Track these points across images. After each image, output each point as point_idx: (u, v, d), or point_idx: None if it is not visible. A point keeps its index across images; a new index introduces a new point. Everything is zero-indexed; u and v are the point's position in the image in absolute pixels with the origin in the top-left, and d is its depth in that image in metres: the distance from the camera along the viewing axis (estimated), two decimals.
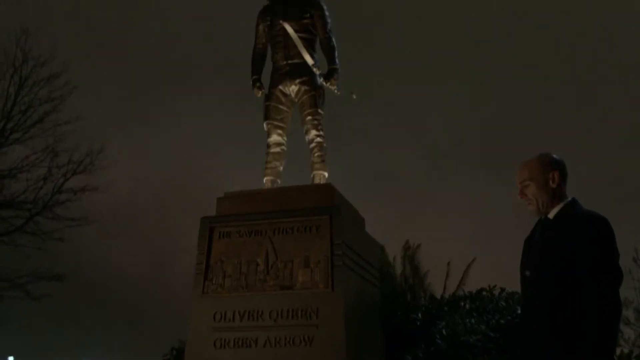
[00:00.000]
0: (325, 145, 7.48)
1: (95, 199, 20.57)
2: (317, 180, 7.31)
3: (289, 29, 7.52)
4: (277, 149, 7.55)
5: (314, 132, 7.44)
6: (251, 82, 7.80)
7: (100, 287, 21.94)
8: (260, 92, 7.73)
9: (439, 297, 8.44)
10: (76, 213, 20.23)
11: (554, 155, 4.16)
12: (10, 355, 20.76)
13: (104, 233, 21.96)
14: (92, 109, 21.35)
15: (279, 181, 7.50)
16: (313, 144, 7.45)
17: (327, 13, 7.75)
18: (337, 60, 7.63)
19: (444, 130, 25.30)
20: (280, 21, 7.60)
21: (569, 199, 4.03)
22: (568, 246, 3.73)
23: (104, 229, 21.81)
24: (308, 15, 7.66)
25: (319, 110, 7.49)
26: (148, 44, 25.47)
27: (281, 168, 7.57)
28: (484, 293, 8.09)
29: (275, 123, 7.56)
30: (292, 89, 7.55)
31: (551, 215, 4.01)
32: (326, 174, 7.38)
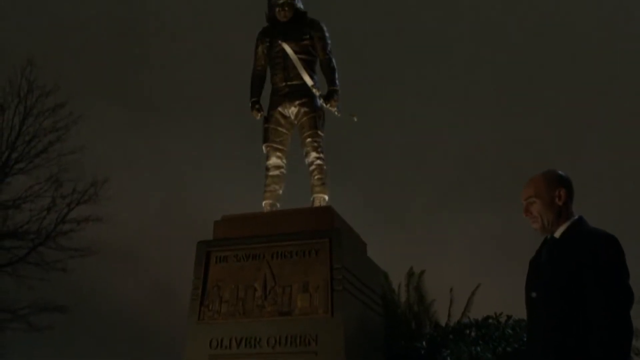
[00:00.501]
0: (325, 167, 7.30)
1: (99, 229, 20.42)
2: (317, 204, 7.12)
3: (288, 49, 7.38)
4: (277, 172, 7.37)
5: (313, 155, 7.26)
6: (250, 105, 7.65)
7: (104, 318, 21.65)
8: (259, 115, 7.57)
9: (443, 324, 8.17)
10: (79, 243, 20.08)
11: (561, 172, 3.98)
12: None
13: (107, 263, 21.71)
14: (97, 138, 21.26)
15: (278, 205, 7.31)
16: (313, 167, 7.27)
17: (327, 34, 7.61)
18: (337, 82, 7.47)
19: (449, 158, 25.16)
20: (280, 42, 7.46)
21: (576, 217, 3.84)
22: (575, 266, 3.53)
23: (108, 260, 21.56)
24: (308, 36, 7.52)
25: (319, 132, 7.32)
26: (152, 74, 25.49)
27: (280, 191, 7.38)
28: (490, 320, 7.82)
29: (275, 145, 7.39)
30: (292, 110, 7.40)
31: (557, 234, 3.82)
32: (326, 197, 7.18)
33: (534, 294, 3.78)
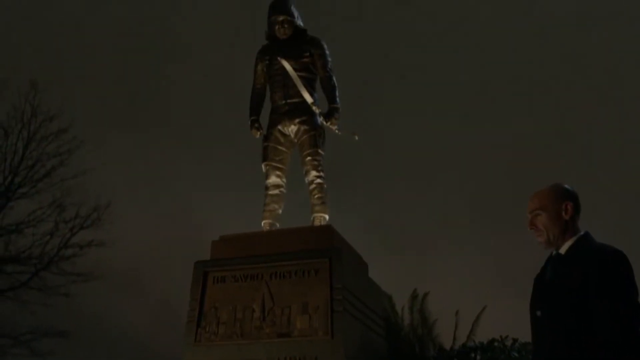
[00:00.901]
0: (325, 186, 7.14)
1: (102, 253, 20.28)
2: (317, 223, 6.95)
3: (287, 66, 7.26)
4: (276, 191, 7.22)
5: (313, 173, 7.10)
6: (249, 123, 7.51)
7: (107, 343, 21.41)
8: (259, 133, 7.43)
9: (448, 348, 7.97)
10: (82, 268, 19.94)
11: (568, 186, 3.84)
12: None
13: (110, 288, 21.51)
14: (100, 162, 21.16)
15: (277, 224, 7.14)
16: (313, 186, 7.11)
17: (327, 52, 7.49)
18: (337, 100, 7.34)
19: (453, 179, 25.02)
20: (279, 58, 7.35)
21: (582, 232, 3.69)
22: (582, 283, 3.37)
23: (111, 284, 21.37)
24: (308, 54, 7.40)
25: (319, 151, 7.17)
26: (155, 98, 25.49)
27: (280, 211, 7.22)
28: (496, 344, 7.65)
29: (274, 164, 7.24)
30: (292, 129, 7.26)
31: (562, 250, 3.67)
32: (327, 216, 7.02)
33: (538, 313, 3.63)
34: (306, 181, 7.19)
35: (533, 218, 3.77)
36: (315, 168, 7.11)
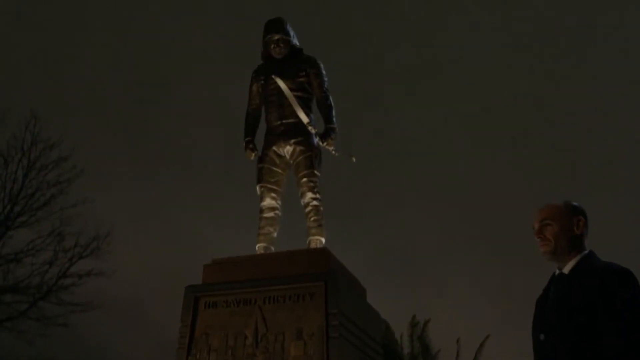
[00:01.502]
0: (322, 208, 6.88)
1: (101, 283, 20.06)
2: (313, 246, 6.68)
3: (282, 84, 7.06)
4: (271, 214, 6.95)
5: (309, 195, 6.85)
6: (244, 144, 7.29)
7: None
8: (253, 154, 7.20)
9: None
10: (81, 298, 19.78)
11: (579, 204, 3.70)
12: None
13: (110, 318, 21.21)
14: (100, 191, 21.03)
15: (272, 248, 6.87)
16: (309, 208, 6.85)
17: (324, 71, 7.29)
18: (334, 120, 7.11)
19: (455, 204, 24.83)
20: (273, 76, 7.14)
21: (586, 251, 3.52)
22: (588, 303, 3.20)
23: (110, 314, 21.08)
24: (304, 73, 7.19)
25: (315, 172, 6.92)
26: (156, 129, 25.39)
27: (275, 234, 6.95)
28: None
29: (269, 186, 6.99)
30: (287, 149, 7.03)
31: (566, 269, 3.49)
32: (323, 240, 6.75)
33: (542, 336, 3.43)
34: (302, 203, 6.94)
35: (542, 227, 3.59)
36: (312, 190, 6.86)
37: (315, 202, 6.85)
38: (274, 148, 7.06)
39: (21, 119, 19.87)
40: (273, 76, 7.14)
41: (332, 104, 7.20)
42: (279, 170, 7.05)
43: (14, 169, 19.98)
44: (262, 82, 7.30)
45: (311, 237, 6.75)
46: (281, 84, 7.07)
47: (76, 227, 19.98)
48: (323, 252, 6.25)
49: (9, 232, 19.73)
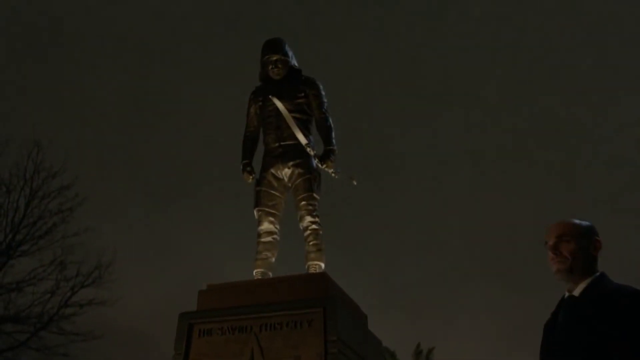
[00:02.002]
0: (321, 232, 6.65)
1: (103, 312, 19.83)
2: (312, 271, 6.43)
3: (280, 105, 6.87)
4: (269, 238, 6.71)
5: (308, 219, 6.62)
6: (241, 167, 7.08)
7: None
8: (251, 178, 6.99)
9: None
10: (82, 327, 19.53)
11: None
12: None
13: (111, 348, 20.90)
14: (103, 219, 20.87)
15: (270, 274, 6.62)
16: (308, 232, 6.62)
17: (323, 92, 7.10)
18: (334, 141, 6.91)
19: (460, 233, 24.66)
20: (270, 96, 6.96)
21: (598, 273, 3.33)
22: (600, 326, 3.02)
23: (112, 344, 20.79)
24: (303, 94, 7.00)
25: (315, 195, 6.70)
26: (158, 157, 25.27)
27: (273, 259, 6.70)
28: None
29: (267, 210, 6.76)
30: (285, 172, 6.81)
31: (577, 292, 3.29)
32: (323, 265, 6.50)
33: None
34: (301, 227, 6.71)
35: (558, 243, 3.38)
36: (310, 213, 6.63)
37: (314, 226, 6.62)
38: (272, 170, 6.85)
39: (24, 147, 19.88)
40: (270, 96, 6.96)
41: (332, 125, 7.01)
42: (277, 194, 6.84)
43: (16, 198, 19.93)
44: (260, 103, 7.12)
45: (310, 262, 6.51)
46: (279, 105, 6.88)
47: (78, 256, 19.88)
48: (322, 277, 6.00)
49: (10, 261, 19.56)
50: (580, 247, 3.34)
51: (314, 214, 6.65)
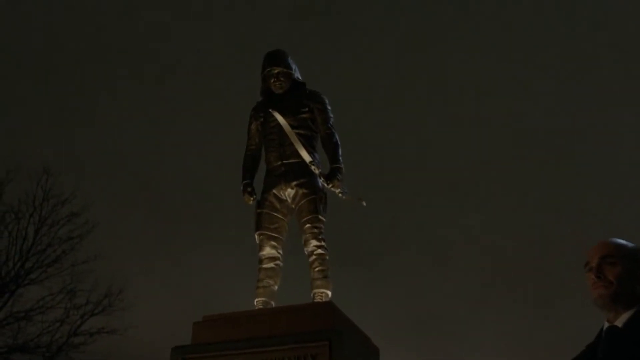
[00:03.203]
0: (327, 257, 6.05)
1: (113, 341, 19.31)
2: (317, 300, 5.84)
3: (282, 120, 6.31)
4: (271, 265, 6.13)
5: (314, 243, 6.04)
6: (241, 188, 6.51)
7: None
8: (252, 199, 6.42)
9: None
10: (92, 357, 18.99)
11: None
12: None
13: None
14: (113, 246, 20.41)
15: (272, 303, 6.03)
16: (313, 257, 6.03)
17: (329, 107, 6.54)
18: (340, 159, 6.35)
19: (477, 260, 23.96)
20: (270, 110, 6.41)
21: None
22: None
23: None
24: (307, 109, 6.44)
25: (320, 217, 6.11)
26: (170, 179, 24.86)
27: (276, 287, 6.10)
28: None
29: (269, 233, 6.17)
30: (289, 192, 6.24)
31: (620, 322, 2.81)
32: (329, 293, 5.91)
33: None
34: (305, 252, 6.12)
35: (603, 265, 2.87)
36: (316, 237, 6.05)
37: (320, 251, 6.04)
38: (274, 191, 6.29)
39: (32, 174, 19.53)
40: (271, 110, 6.41)
41: (338, 141, 6.45)
42: (280, 216, 6.26)
43: (25, 225, 19.52)
44: (262, 119, 6.56)
45: (315, 290, 5.92)
46: (281, 120, 6.33)
47: (88, 284, 19.40)
48: (328, 307, 5.41)
49: (19, 290, 19.14)
50: (628, 273, 2.83)
51: (320, 237, 6.07)
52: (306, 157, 6.19)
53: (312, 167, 6.18)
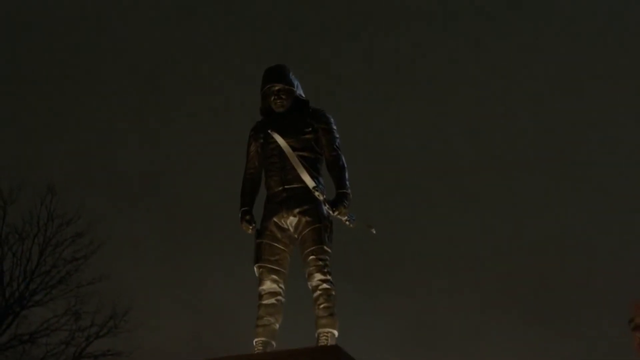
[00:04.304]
0: (334, 293, 5.39)
1: None
2: (322, 341, 5.17)
3: (282, 142, 5.69)
4: (272, 300, 5.48)
5: (318, 277, 5.38)
6: (239, 215, 5.88)
7: None
8: (251, 228, 5.78)
9: None
10: None
11: None
12: None
13: None
14: (119, 266, 19.89)
15: (274, 343, 5.39)
16: (318, 292, 5.37)
17: (334, 127, 5.90)
18: (347, 184, 5.69)
19: (485, 274, 23.36)
20: (270, 131, 5.79)
21: None
22: None
23: None
24: (310, 129, 5.80)
25: (326, 248, 5.46)
26: (176, 193, 24.34)
27: (277, 325, 5.45)
28: None
29: (269, 266, 5.53)
30: (291, 221, 5.60)
31: None
32: (335, 332, 5.25)
33: None
34: (309, 286, 5.47)
35: None
36: (321, 270, 5.39)
37: (325, 285, 5.38)
38: (275, 219, 5.65)
39: (36, 194, 19.10)
40: (270, 131, 5.79)
41: (345, 164, 5.80)
42: (281, 247, 5.62)
43: (29, 246, 19.10)
44: (261, 140, 5.91)
45: (320, 330, 5.26)
46: (281, 142, 5.70)
47: (93, 306, 18.91)
48: (333, 352, 4.77)
49: (23, 312, 18.63)
50: None
51: (325, 270, 5.42)
52: (309, 182, 5.56)
53: (316, 194, 5.54)
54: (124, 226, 21.98)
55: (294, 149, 5.70)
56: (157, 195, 24.15)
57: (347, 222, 5.62)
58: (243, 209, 5.88)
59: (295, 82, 5.95)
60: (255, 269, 5.60)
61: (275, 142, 5.75)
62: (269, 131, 5.77)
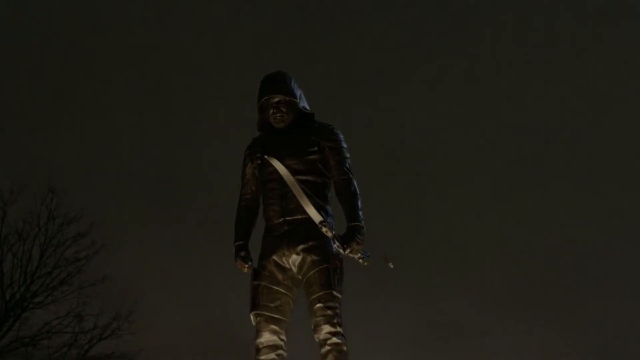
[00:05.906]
0: (345, 349, 4.38)
1: None
2: None
3: (281, 167, 4.66)
4: (271, 355, 4.47)
5: (327, 329, 4.37)
6: (233, 251, 4.87)
7: None
8: (247, 266, 4.76)
9: None
10: None
11: None
12: None
13: None
14: (121, 266, 19.09)
15: None
16: (326, 348, 4.36)
17: (344, 145, 4.84)
18: (360, 214, 4.66)
19: (502, 269, 22.63)
20: (266, 157, 4.77)
21: None
22: None
23: None
24: (316, 148, 4.75)
25: (335, 294, 4.44)
26: (181, 194, 23.52)
27: None
28: None
29: (268, 314, 4.52)
30: (293, 259, 4.58)
31: None
32: None
33: None
34: (316, 340, 4.47)
35: None
36: (329, 321, 4.37)
37: (335, 340, 4.37)
38: (275, 257, 4.62)
39: (37, 193, 18.42)
40: (266, 157, 4.75)
41: (357, 190, 4.73)
42: (283, 290, 4.59)
43: (30, 247, 18.51)
44: (259, 161, 4.86)
45: None
46: (280, 168, 4.65)
47: (95, 307, 18.31)
48: None
49: (24, 314, 18.03)
50: None
51: (335, 321, 4.39)
52: (315, 216, 4.52)
53: (324, 229, 4.51)
54: (126, 226, 21.13)
55: (296, 172, 4.67)
56: (161, 196, 23.28)
57: (361, 260, 4.61)
58: (237, 243, 4.85)
59: (298, 93, 4.87)
60: (251, 317, 4.59)
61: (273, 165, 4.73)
62: (266, 157, 4.74)
